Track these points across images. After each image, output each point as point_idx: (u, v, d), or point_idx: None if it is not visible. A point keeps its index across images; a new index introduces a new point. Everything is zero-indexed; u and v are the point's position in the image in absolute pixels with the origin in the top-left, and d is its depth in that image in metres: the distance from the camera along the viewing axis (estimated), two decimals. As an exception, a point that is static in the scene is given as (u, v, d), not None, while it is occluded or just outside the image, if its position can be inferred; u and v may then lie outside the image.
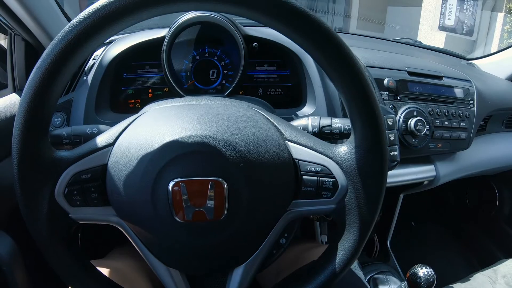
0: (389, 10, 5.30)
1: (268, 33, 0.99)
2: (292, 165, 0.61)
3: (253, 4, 0.50)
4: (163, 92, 1.03)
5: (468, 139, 1.25)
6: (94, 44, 0.53)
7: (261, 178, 0.58)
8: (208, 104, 0.66)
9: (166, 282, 0.65)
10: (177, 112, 0.63)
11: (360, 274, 0.93)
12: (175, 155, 0.56)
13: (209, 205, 0.56)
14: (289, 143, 0.62)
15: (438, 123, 1.17)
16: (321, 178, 0.61)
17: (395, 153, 0.86)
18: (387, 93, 1.12)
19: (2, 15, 0.93)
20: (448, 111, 1.20)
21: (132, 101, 1.02)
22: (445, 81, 1.25)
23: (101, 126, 0.75)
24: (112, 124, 0.90)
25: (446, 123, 1.19)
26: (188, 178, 0.56)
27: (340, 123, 0.75)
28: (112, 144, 0.61)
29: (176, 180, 0.55)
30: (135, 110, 1.01)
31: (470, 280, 1.32)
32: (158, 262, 0.64)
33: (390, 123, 0.90)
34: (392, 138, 0.98)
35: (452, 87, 1.25)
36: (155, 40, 0.95)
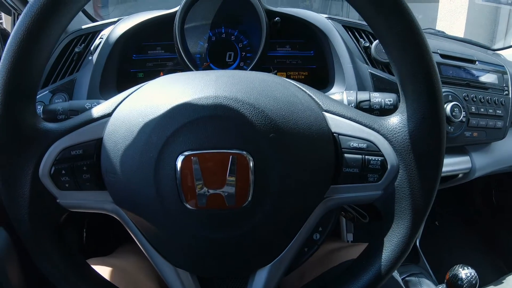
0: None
1: (291, 10, 0.91)
2: (332, 140, 0.50)
3: None
4: None
5: (504, 128, 1.15)
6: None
7: (295, 154, 0.47)
8: (227, 71, 0.56)
9: (173, 286, 0.53)
10: (190, 76, 0.52)
11: (397, 277, 0.83)
12: (185, 121, 0.45)
13: (229, 187, 0.45)
14: (327, 114, 0.51)
15: (473, 110, 1.07)
16: (366, 157, 0.50)
17: None
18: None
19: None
20: (483, 97, 1.10)
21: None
22: (479, 65, 1.16)
23: (101, 101, 0.63)
24: None
25: (482, 110, 1.09)
26: (202, 151, 0.44)
27: (380, 97, 0.65)
28: (110, 114, 0.50)
29: (186, 153, 0.44)
30: None
31: (503, 283, 1.23)
32: (163, 261, 0.52)
33: None
34: None
35: (486, 72, 1.16)
36: (167, 16, 0.87)
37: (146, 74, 0.93)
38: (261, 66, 0.89)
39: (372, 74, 0.89)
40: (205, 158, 0.44)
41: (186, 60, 0.84)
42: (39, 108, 0.74)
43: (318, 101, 0.52)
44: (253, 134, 0.45)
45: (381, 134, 0.51)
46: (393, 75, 0.93)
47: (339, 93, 0.66)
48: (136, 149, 0.46)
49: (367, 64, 0.91)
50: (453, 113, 0.98)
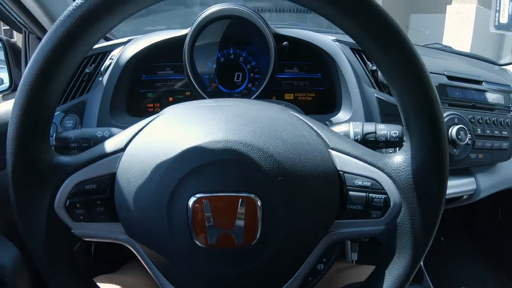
0: (412, 18, 5.20)
1: (299, 32, 0.92)
2: (337, 178, 0.52)
3: None
4: (185, 96, 0.96)
5: (510, 149, 1.15)
6: (98, 32, 0.45)
7: (301, 194, 0.49)
8: (236, 105, 0.58)
9: None
10: (200, 114, 0.54)
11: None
12: (197, 165, 0.46)
13: (238, 227, 0.46)
14: (333, 152, 0.52)
15: (479, 132, 1.07)
16: (370, 195, 0.51)
17: None
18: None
19: (16, 12, 0.88)
20: (489, 119, 1.10)
21: (151, 105, 0.95)
22: (485, 86, 1.16)
23: (114, 129, 0.66)
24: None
25: (488, 131, 1.09)
26: (213, 194, 0.46)
27: (386, 129, 0.65)
28: (123, 149, 0.52)
29: (198, 195, 0.46)
30: (154, 114, 0.94)
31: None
32: None
33: None
34: None
35: (492, 92, 1.16)
36: (177, 38, 0.88)
37: (155, 94, 0.94)
38: (270, 89, 0.90)
39: (378, 99, 0.90)
40: (216, 200, 0.46)
41: (194, 83, 0.85)
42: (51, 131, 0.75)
43: (325, 139, 0.53)
44: (262, 178, 0.47)
45: (385, 173, 0.52)
46: None
47: (345, 124, 0.67)
48: (149, 189, 0.48)
49: (374, 87, 0.92)
50: (459, 136, 0.98)
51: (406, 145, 0.52)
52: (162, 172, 0.48)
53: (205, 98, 0.86)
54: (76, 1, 0.43)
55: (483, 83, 1.16)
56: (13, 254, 0.86)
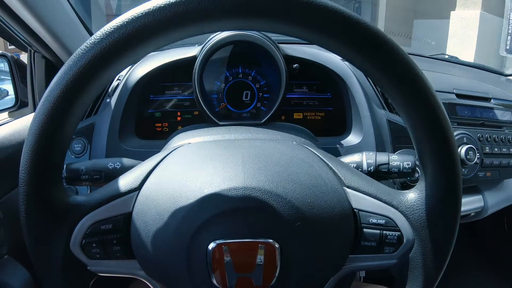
0: (415, 24, 5.17)
1: (309, 53, 0.91)
2: (352, 216, 0.52)
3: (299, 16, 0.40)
4: (193, 115, 0.95)
5: (517, 166, 1.15)
6: (122, 65, 0.44)
7: (318, 236, 0.49)
8: (249, 139, 0.57)
9: None
10: (215, 152, 0.54)
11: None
12: (216, 212, 0.46)
13: (257, 270, 0.47)
14: (348, 190, 0.53)
15: (488, 150, 1.07)
16: (384, 232, 0.52)
17: None
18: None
19: (20, 32, 0.87)
20: (497, 136, 1.10)
21: (160, 124, 0.94)
22: (493, 103, 1.15)
23: (125, 160, 0.65)
24: (137, 153, 0.82)
25: (496, 149, 1.09)
26: (233, 240, 0.46)
27: (398, 160, 0.66)
28: (138, 188, 0.51)
29: (217, 241, 0.46)
30: (162, 135, 0.94)
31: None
32: None
33: None
34: None
35: (500, 109, 1.15)
36: (186, 59, 0.87)
37: (163, 114, 0.94)
38: (282, 108, 0.89)
39: (389, 121, 0.89)
40: (236, 246, 0.46)
41: (203, 105, 0.85)
42: None
43: (341, 176, 0.54)
44: (281, 224, 0.47)
45: (399, 211, 0.52)
46: None
47: (358, 155, 0.67)
48: (167, 233, 0.48)
49: (384, 109, 0.92)
50: (468, 156, 0.98)
51: (421, 183, 0.52)
52: (180, 218, 0.47)
53: (213, 119, 0.86)
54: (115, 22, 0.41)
55: (492, 100, 1.15)
56: (23, 276, 0.85)
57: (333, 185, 0.52)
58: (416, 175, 0.63)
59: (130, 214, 0.51)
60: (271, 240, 0.46)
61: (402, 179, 0.85)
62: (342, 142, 0.88)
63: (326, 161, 0.55)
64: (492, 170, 1.09)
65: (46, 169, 0.46)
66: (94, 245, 0.50)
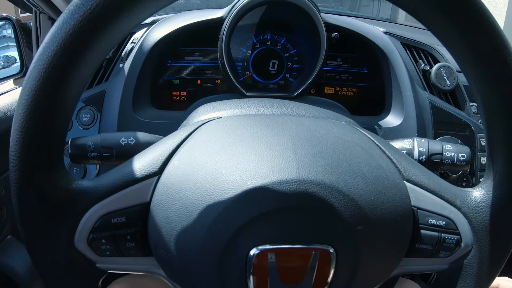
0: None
1: (348, 22, 0.81)
2: (411, 215, 0.43)
3: None
4: (214, 84, 0.86)
5: None
6: (130, 22, 0.34)
7: (377, 239, 0.40)
8: (293, 116, 0.47)
9: None
10: (256, 131, 0.43)
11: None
12: (261, 212, 0.37)
13: (306, 280, 0.38)
14: (408, 184, 0.44)
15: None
16: (443, 235, 0.44)
17: None
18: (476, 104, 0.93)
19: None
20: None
21: (177, 93, 0.85)
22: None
23: (140, 135, 0.55)
24: (152, 125, 0.72)
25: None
26: (281, 246, 0.37)
27: (453, 151, 0.57)
28: (157, 173, 0.41)
29: (261, 247, 0.36)
30: (180, 104, 0.85)
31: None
32: None
33: (483, 143, 0.74)
34: (484, 162, 0.81)
35: None
36: (211, 21, 0.77)
37: (181, 82, 0.85)
38: (315, 81, 0.79)
39: (432, 104, 0.80)
40: (284, 254, 0.37)
41: (229, 71, 0.75)
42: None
43: (401, 169, 0.45)
44: (341, 227, 0.38)
45: (462, 212, 0.45)
46: (452, 104, 0.84)
47: (408, 140, 0.59)
48: (197, 233, 0.38)
49: (425, 90, 0.82)
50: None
51: (487, 182, 0.45)
52: (215, 217, 0.37)
53: (240, 88, 0.76)
54: None
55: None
56: (27, 258, 0.78)
57: (395, 179, 0.43)
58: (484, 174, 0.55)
59: (147, 205, 0.41)
60: (328, 246, 0.37)
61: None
62: (380, 122, 0.79)
63: (383, 148, 0.46)
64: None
65: (43, 146, 0.36)
66: (103, 241, 0.41)
